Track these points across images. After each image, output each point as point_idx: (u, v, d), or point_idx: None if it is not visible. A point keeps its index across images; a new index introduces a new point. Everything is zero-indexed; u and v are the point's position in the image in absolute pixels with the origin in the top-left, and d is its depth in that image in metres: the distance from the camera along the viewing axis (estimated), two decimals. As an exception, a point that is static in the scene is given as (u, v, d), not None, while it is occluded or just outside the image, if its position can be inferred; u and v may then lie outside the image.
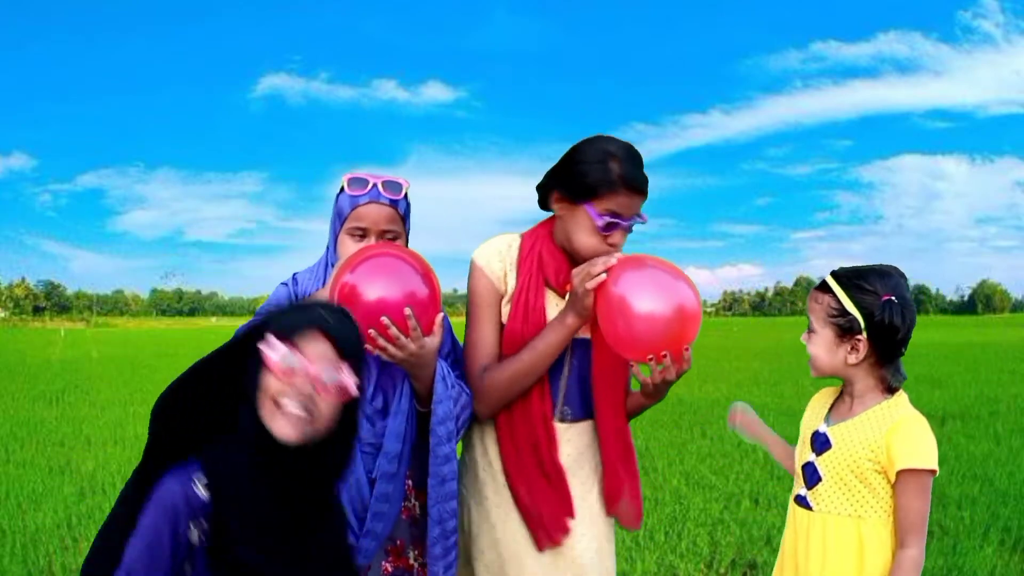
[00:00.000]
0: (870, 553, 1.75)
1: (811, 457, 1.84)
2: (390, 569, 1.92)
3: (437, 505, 1.91)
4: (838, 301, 1.77)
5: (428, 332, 1.81)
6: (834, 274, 1.82)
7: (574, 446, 2.03)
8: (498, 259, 2.03)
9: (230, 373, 1.40)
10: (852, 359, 1.77)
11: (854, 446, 1.77)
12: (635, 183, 1.91)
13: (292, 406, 1.33)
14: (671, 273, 1.86)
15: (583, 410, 2.04)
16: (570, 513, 1.99)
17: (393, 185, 1.94)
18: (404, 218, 1.97)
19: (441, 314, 1.85)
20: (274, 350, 1.32)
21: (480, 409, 2.00)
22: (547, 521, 1.98)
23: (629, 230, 1.97)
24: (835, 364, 1.80)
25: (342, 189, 1.94)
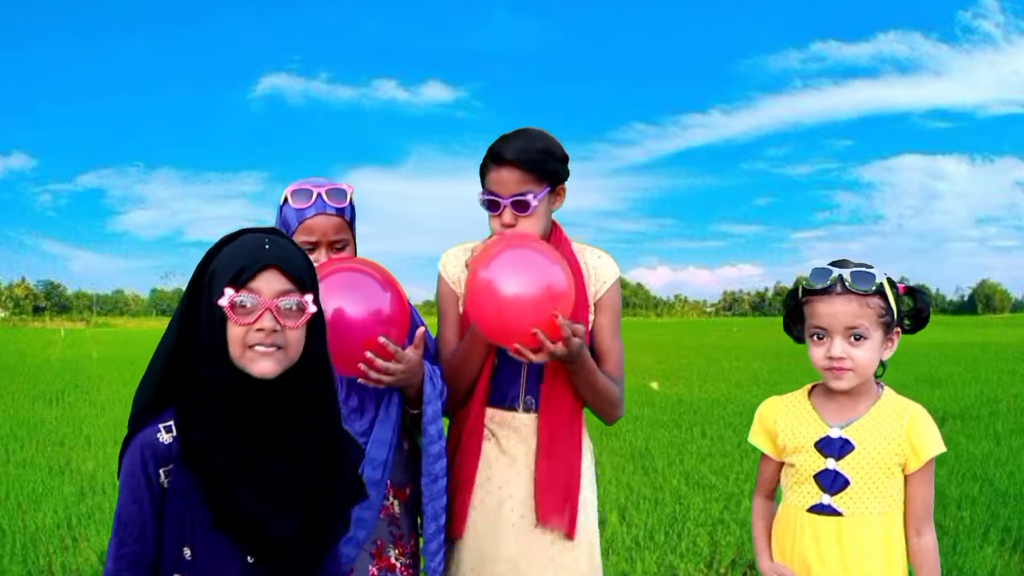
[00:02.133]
0: (896, 546, 1.77)
1: (828, 464, 1.78)
2: (375, 572, 1.94)
3: (432, 502, 1.95)
4: (886, 301, 1.75)
5: (403, 338, 1.83)
6: (871, 275, 1.75)
7: (536, 436, 2.01)
8: (454, 263, 2.09)
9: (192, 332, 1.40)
10: (887, 355, 1.79)
11: (879, 443, 1.76)
12: (499, 156, 1.93)
13: (262, 345, 1.34)
14: (518, 246, 1.85)
15: None
16: (464, 510, 1.99)
17: (337, 193, 1.92)
18: (351, 224, 1.97)
19: (422, 328, 1.88)
20: (227, 299, 1.33)
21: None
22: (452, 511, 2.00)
23: (522, 208, 1.95)
24: (875, 366, 1.78)
25: (285, 201, 1.92)
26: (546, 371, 1.99)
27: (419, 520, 2.07)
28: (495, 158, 1.95)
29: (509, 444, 2.01)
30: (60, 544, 4.54)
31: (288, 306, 1.35)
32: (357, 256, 2.00)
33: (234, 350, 1.35)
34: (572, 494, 1.99)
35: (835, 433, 1.79)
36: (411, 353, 1.83)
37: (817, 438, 1.80)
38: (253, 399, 1.37)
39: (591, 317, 2.05)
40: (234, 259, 1.35)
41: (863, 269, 1.75)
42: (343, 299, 1.77)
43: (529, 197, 1.94)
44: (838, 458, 1.78)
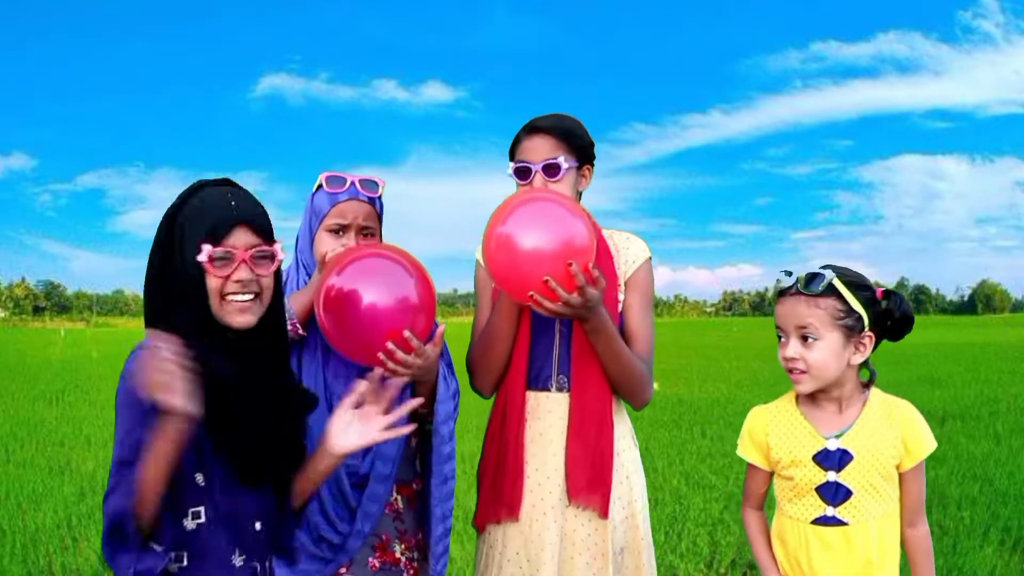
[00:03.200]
0: (895, 541, 1.79)
1: (830, 476, 1.76)
2: (377, 565, 1.95)
3: (440, 504, 1.95)
4: (844, 302, 1.73)
5: (430, 326, 1.83)
6: (820, 276, 1.75)
7: (568, 415, 2.01)
8: None
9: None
10: (857, 359, 1.76)
11: (877, 448, 1.75)
12: (532, 126, 2.00)
13: (241, 296, 1.46)
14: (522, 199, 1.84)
15: None
16: (517, 492, 1.98)
17: (370, 183, 1.96)
18: (380, 217, 1.99)
19: (442, 327, 1.88)
20: (206, 254, 1.43)
21: (474, 385, 2.07)
22: (495, 495, 2.00)
23: (553, 172, 1.98)
24: (839, 369, 1.76)
25: (319, 187, 1.95)
26: (576, 349, 1.99)
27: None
28: (528, 129, 2.01)
29: (544, 425, 2.01)
30: (60, 544, 4.53)
31: (260, 256, 1.47)
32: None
33: (213, 301, 1.45)
34: (604, 473, 1.99)
35: (832, 445, 1.77)
36: (430, 349, 1.83)
37: (814, 451, 1.78)
38: (234, 344, 1.48)
39: (621, 296, 2.06)
40: (204, 217, 1.45)
41: (818, 270, 1.75)
42: (371, 287, 1.77)
43: (560, 160, 1.97)
44: (838, 470, 1.76)
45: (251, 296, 1.47)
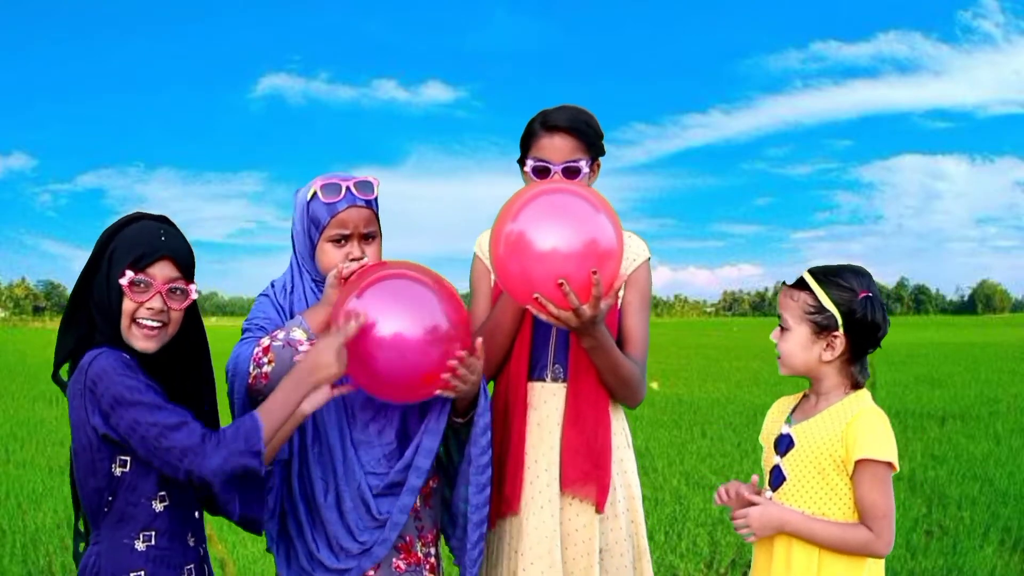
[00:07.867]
0: (828, 558, 1.73)
1: (776, 460, 1.81)
2: (403, 567, 1.95)
3: (477, 511, 1.94)
4: (815, 298, 1.75)
5: (467, 347, 1.81)
6: (810, 271, 1.79)
7: (563, 403, 2.00)
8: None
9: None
10: (827, 356, 1.77)
11: (816, 442, 1.75)
12: (549, 120, 1.95)
13: (148, 322, 1.60)
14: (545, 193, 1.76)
15: None
16: (517, 485, 1.97)
17: (365, 185, 1.93)
18: (378, 217, 1.97)
19: (480, 338, 1.85)
20: (127, 278, 1.57)
21: None
22: (499, 489, 1.98)
23: (573, 175, 1.94)
24: (808, 362, 1.79)
25: (313, 197, 1.91)
26: (574, 339, 1.95)
27: (444, 517, 2.06)
28: (547, 126, 1.95)
29: (541, 415, 2.00)
30: (60, 544, 4.53)
31: (175, 291, 1.62)
32: (383, 253, 1.98)
33: (124, 321, 1.59)
34: (601, 465, 1.96)
35: (785, 430, 1.82)
36: (478, 363, 1.82)
37: (777, 435, 1.85)
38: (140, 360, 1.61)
39: (620, 293, 2.03)
40: (134, 244, 1.59)
41: (808, 267, 1.82)
42: (414, 323, 1.72)
43: (581, 164, 1.95)
44: (782, 455, 1.81)
45: (158, 325, 1.60)
